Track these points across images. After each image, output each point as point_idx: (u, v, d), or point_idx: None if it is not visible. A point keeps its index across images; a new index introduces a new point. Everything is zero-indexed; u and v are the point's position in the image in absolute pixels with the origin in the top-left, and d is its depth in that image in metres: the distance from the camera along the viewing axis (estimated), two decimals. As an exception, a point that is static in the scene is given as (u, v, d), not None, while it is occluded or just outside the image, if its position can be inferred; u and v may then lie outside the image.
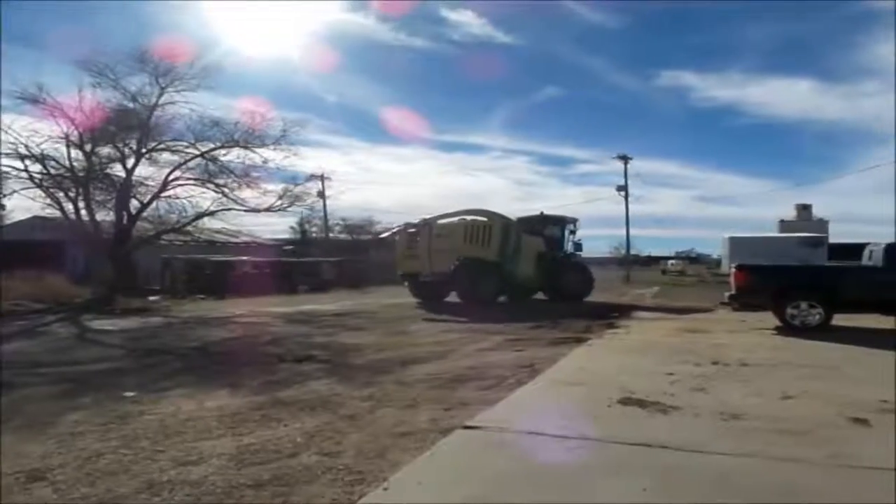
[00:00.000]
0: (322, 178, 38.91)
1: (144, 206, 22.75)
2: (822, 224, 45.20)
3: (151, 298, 22.31)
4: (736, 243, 33.15)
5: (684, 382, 6.44)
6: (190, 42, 31.38)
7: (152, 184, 22.86)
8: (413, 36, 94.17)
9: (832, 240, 33.78)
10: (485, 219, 19.55)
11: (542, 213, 21.14)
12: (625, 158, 43.63)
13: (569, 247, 21.22)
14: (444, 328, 12.20)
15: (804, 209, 48.93)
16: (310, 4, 62.45)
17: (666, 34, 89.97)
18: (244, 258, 32.75)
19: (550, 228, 20.53)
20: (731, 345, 9.30)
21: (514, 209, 20.94)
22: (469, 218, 19.79)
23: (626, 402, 5.54)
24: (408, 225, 20.00)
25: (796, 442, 4.33)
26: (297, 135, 23.90)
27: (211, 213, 23.73)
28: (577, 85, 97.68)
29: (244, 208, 23.80)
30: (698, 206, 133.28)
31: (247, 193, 23.57)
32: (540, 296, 20.03)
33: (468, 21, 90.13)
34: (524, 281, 19.18)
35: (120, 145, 22.02)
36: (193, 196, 23.23)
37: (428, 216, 19.79)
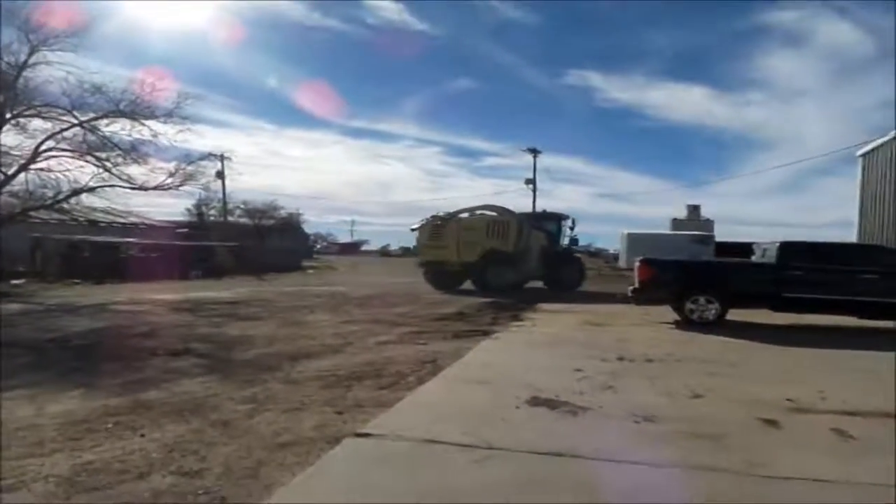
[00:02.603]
0: (221, 157, 36.53)
1: (9, 178, 20.21)
2: (709, 223, 48.16)
3: (14, 282, 19.95)
4: (633, 239, 34.45)
5: (593, 380, 6.16)
6: (80, 6, 28.33)
7: (19, 153, 20.39)
8: (327, 16, 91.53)
9: (717, 238, 35.76)
10: (497, 214, 20.70)
11: (544, 210, 23.51)
12: (534, 152, 44.23)
13: (565, 241, 22.70)
14: (346, 319, 11.48)
15: (694, 209, 51.97)
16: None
17: (576, 35, 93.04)
18: (130, 240, 30.27)
19: (551, 224, 22.18)
20: (634, 339, 9.24)
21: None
22: (487, 213, 20.86)
23: (534, 402, 5.16)
24: (435, 217, 20.63)
25: (712, 448, 4.07)
26: (193, 108, 22.23)
27: (90, 190, 21.49)
28: (490, 78, 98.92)
29: (130, 185, 21.80)
30: (598, 202, 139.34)
31: (133, 170, 21.60)
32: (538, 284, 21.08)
33: (385, 5, 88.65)
34: (529, 272, 20.50)
35: (-21, 108, 19.44)
36: (70, 170, 20.95)
37: (451, 210, 20.93)
